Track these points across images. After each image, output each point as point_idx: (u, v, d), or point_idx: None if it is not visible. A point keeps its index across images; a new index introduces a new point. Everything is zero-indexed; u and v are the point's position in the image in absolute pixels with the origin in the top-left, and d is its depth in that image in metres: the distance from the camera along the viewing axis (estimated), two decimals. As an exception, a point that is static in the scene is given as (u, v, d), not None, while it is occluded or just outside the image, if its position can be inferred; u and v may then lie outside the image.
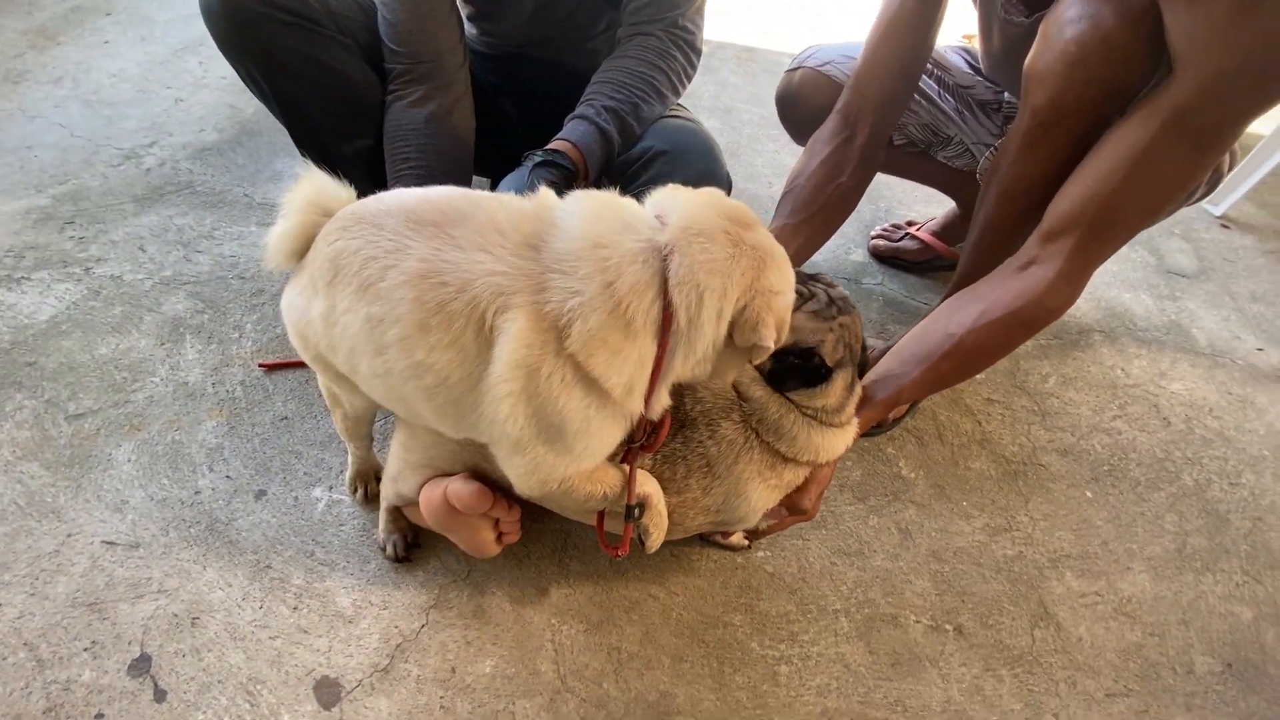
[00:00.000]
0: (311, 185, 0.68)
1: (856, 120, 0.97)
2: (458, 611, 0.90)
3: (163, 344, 1.15)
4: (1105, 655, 0.95)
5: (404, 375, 0.60)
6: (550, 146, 0.96)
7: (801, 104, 1.14)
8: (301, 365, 1.13)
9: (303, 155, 1.07)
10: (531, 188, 0.76)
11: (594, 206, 0.59)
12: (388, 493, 0.88)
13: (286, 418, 1.07)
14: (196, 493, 0.97)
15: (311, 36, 0.97)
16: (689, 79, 1.06)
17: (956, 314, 0.81)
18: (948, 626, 0.95)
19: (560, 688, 0.84)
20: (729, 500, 0.73)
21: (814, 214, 0.95)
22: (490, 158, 1.15)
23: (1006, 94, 1.08)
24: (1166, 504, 1.13)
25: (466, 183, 1.03)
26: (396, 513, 0.91)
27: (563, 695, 0.84)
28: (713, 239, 0.55)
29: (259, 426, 1.05)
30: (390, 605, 0.89)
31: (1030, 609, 0.98)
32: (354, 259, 0.59)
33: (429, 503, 0.77)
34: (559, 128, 1.16)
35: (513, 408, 0.56)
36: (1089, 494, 1.13)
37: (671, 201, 0.60)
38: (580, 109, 1.00)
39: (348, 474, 0.98)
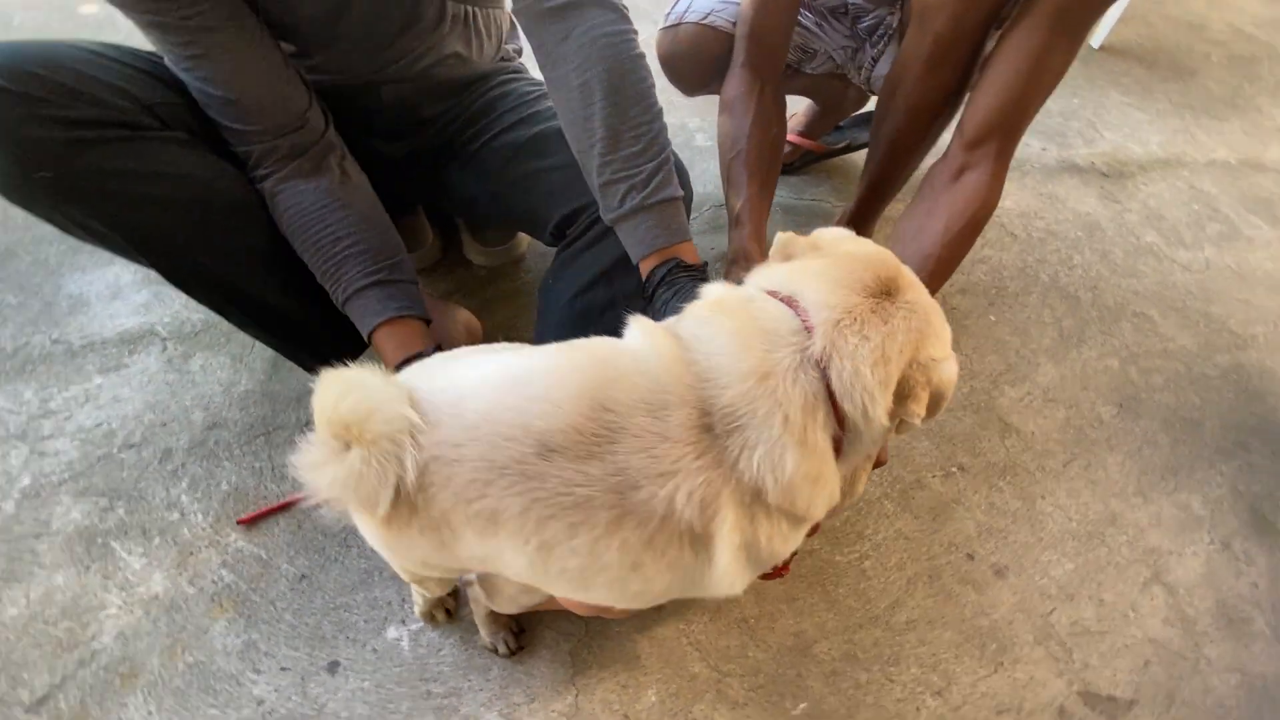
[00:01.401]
0: (353, 404, 0.50)
1: (763, 69, 0.99)
2: (597, 667, 0.92)
3: (88, 569, 0.92)
4: (1051, 437, 1.23)
5: (607, 590, 0.55)
6: (667, 255, 0.79)
7: (691, 59, 1.13)
8: (289, 506, 0.99)
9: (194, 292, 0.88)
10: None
11: (730, 331, 0.52)
12: (496, 605, 0.83)
13: (305, 576, 0.95)
14: (260, 703, 0.85)
15: (136, 146, 0.75)
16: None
17: (922, 235, 0.92)
18: (953, 469, 1.17)
19: (717, 677, 0.92)
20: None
21: (768, 172, 0.98)
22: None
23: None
24: (1040, 303, 1.43)
25: (399, 239, 0.90)
26: (494, 614, 0.88)
27: (725, 681, 0.92)
28: (865, 327, 0.51)
29: (280, 600, 0.92)
30: (536, 696, 0.89)
31: (996, 427, 1.23)
32: (522, 519, 0.50)
33: (573, 605, 0.76)
34: (440, 151, 1.04)
35: (734, 579, 0.54)
36: (992, 318, 1.39)
37: (800, 280, 0.54)
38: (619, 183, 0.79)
39: (418, 609, 0.91)
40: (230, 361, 1.12)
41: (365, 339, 0.85)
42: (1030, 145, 1.77)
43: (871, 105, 1.57)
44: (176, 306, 1.17)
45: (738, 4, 1.06)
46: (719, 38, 1.07)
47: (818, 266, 0.55)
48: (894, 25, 1.09)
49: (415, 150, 1.05)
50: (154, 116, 0.78)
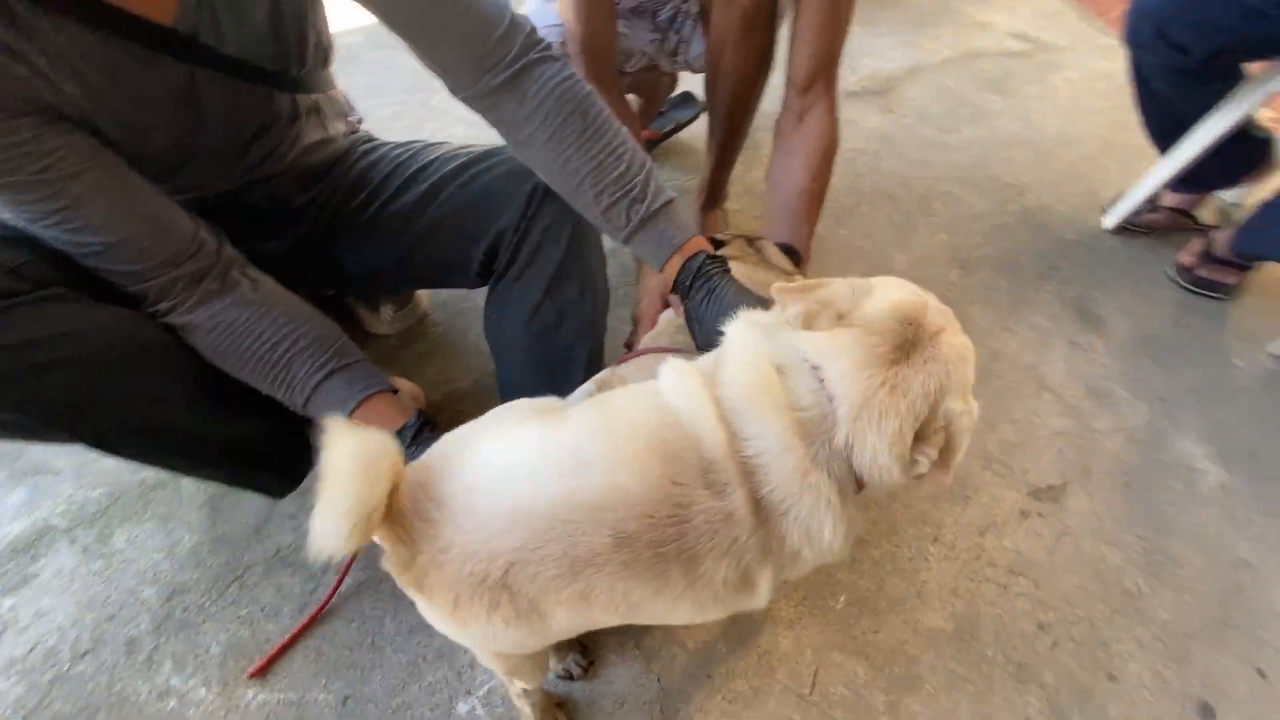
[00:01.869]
0: (352, 453, 0.51)
1: (604, 78, 1.08)
2: (667, 654, 0.97)
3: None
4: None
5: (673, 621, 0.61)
6: (687, 252, 0.81)
7: None
8: (299, 636, 0.92)
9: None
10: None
11: (773, 425, 0.55)
12: (518, 685, 0.80)
13: (349, 696, 0.89)
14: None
15: (16, 316, 0.67)
16: None
17: (788, 177, 1.06)
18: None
19: (767, 608, 1.01)
20: None
21: None
22: None
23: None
24: (871, 209, 1.66)
25: (333, 323, 0.85)
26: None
27: (773, 609, 1.01)
28: (883, 412, 0.54)
29: (333, 729, 0.86)
30: (626, 699, 0.92)
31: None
32: (609, 595, 0.54)
33: None
34: (323, 236, 1.02)
35: (763, 604, 0.61)
36: (843, 232, 1.60)
37: (827, 355, 0.57)
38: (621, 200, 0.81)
39: (528, 715, 0.86)
40: (159, 524, 1.01)
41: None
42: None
43: (683, 87, 1.73)
44: (63, 489, 1.03)
45: (558, 25, 1.14)
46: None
47: (842, 342, 0.57)
48: (694, 10, 1.23)
49: (297, 242, 1.01)
50: (22, 280, 0.69)
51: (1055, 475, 1.20)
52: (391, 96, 1.96)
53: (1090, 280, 1.55)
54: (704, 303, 0.78)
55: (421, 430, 0.78)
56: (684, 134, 1.75)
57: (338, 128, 1.02)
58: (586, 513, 0.53)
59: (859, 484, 0.57)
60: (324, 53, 0.90)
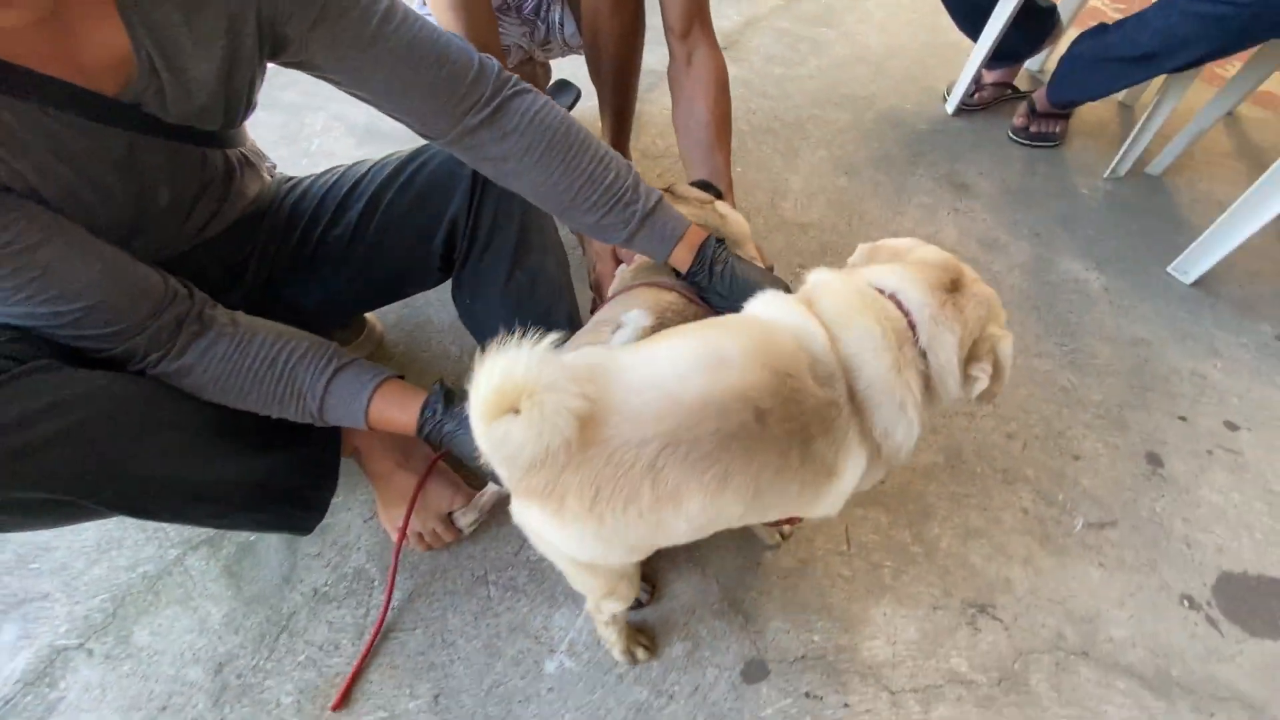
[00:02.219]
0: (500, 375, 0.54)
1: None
2: (767, 609, 1.03)
3: None
4: (827, 217, 1.61)
5: (768, 515, 0.67)
6: (691, 239, 0.86)
7: None
8: (367, 658, 0.91)
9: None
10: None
11: (871, 329, 0.65)
12: (608, 610, 0.84)
13: (439, 694, 0.89)
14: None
15: (9, 391, 0.64)
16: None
17: (693, 115, 1.17)
18: (791, 277, 1.47)
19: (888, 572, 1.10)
20: None
21: None
22: None
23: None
24: (757, 145, 1.81)
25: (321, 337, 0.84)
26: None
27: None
28: (951, 322, 0.66)
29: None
30: (719, 636, 0.98)
31: (792, 231, 1.56)
32: (744, 475, 0.60)
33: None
34: (270, 281, 1.00)
35: (838, 504, 0.68)
36: (739, 169, 1.73)
37: (898, 282, 0.68)
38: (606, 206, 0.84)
39: (618, 652, 0.91)
40: (179, 608, 0.96)
41: (363, 420, 0.81)
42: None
43: (556, 75, 1.80)
44: (58, 610, 0.95)
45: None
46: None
47: (909, 272, 0.69)
48: (557, -6, 1.31)
49: (246, 293, 0.99)
50: (6, 358, 0.66)
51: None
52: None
53: (952, 157, 1.77)
54: (728, 281, 0.85)
55: (449, 397, 0.80)
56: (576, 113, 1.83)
57: (266, 177, 1.01)
58: (733, 395, 0.59)
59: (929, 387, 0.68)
60: (253, 106, 0.89)
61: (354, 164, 1.04)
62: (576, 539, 0.62)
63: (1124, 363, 1.32)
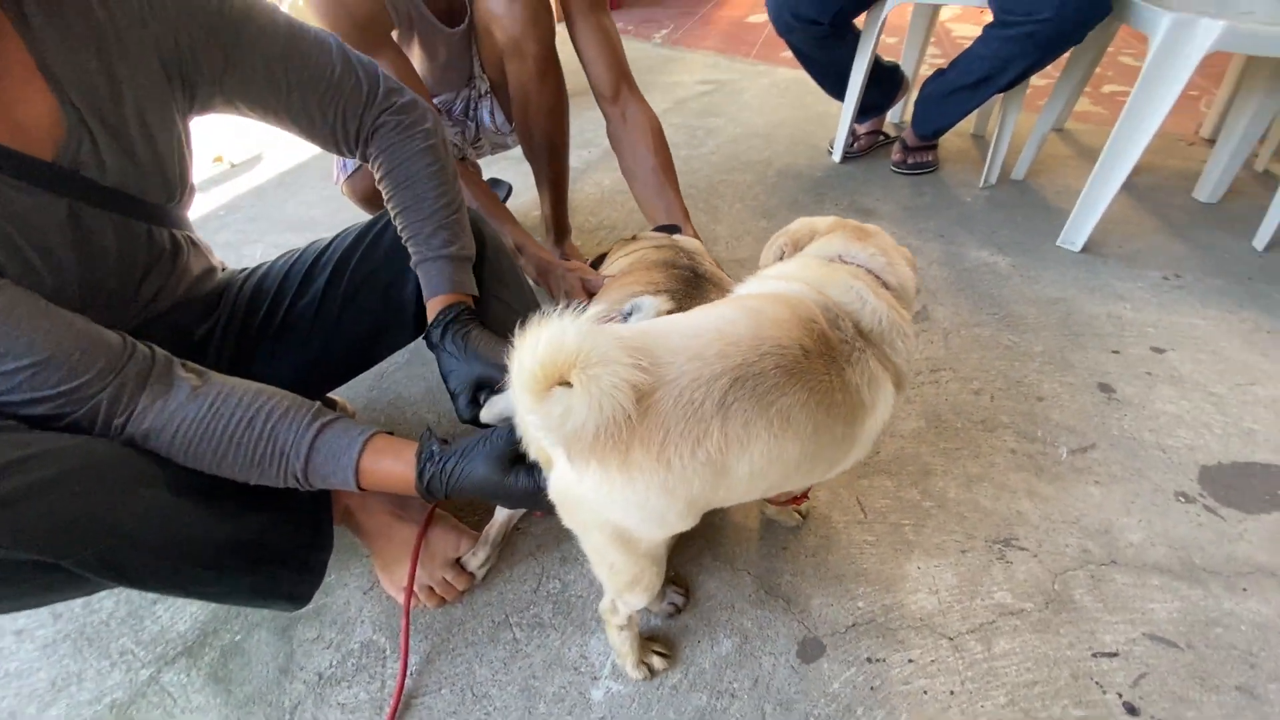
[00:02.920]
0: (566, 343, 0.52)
1: None
2: (804, 589, 1.01)
3: None
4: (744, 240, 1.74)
5: (813, 468, 0.68)
6: (443, 308, 0.89)
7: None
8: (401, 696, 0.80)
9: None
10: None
11: (855, 282, 0.73)
12: (627, 607, 0.79)
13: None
14: None
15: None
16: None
17: (640, 163, 1.30)
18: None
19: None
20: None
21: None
22: None
23: (442, 95, 1.47)
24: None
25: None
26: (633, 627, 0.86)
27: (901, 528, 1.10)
28: (891, 255, 0.78)
29: None
30: (767, 624, 0.93)
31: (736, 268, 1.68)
32: (804, 410, 0.62)
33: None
34: (234, 358, 0.99)
35: (872, 438, 0.72)
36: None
37: (836, 247, 0.79)
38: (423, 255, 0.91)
39: (631, 666, 0.85)
40: (157, 733, 0.82)
41: (353, 478, 0.75)
42: (582, 156, 2.39)
43: (485, 173, 1.93)
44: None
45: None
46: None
47: (837, 239, 0.80)
48: (483, 89, 1.46)
49: (239, 345, 0.98)
50: None
51: (916, 306, 1.49)
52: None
53: (851, 191, 1.99)
54: (461, 344, 0.87)
55: (439, 442, 0.77)
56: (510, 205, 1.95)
57: (214, 262, 1.02)
58: (779, 334, 0.63)
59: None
60: (190, 189, 0.92)
61: (312, 241, 1.07)
62: (640, 493, 0.59)
63: (1050, 318, 1.46)
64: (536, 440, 0.63)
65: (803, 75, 2.17)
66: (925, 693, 0.83)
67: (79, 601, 0.97)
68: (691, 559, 0.99)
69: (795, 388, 0.61)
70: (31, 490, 0.60)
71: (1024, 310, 1.48)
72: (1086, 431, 1.18)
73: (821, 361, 0.64)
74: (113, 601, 0.97)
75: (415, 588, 0.90)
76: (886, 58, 2.12)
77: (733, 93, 2.77)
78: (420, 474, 0.74)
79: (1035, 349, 1.37)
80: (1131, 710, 0.81)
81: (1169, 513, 1.04)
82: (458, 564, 0.94)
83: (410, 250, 0.91)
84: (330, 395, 1.24)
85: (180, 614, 0.95)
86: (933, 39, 2.69)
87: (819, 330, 0.66)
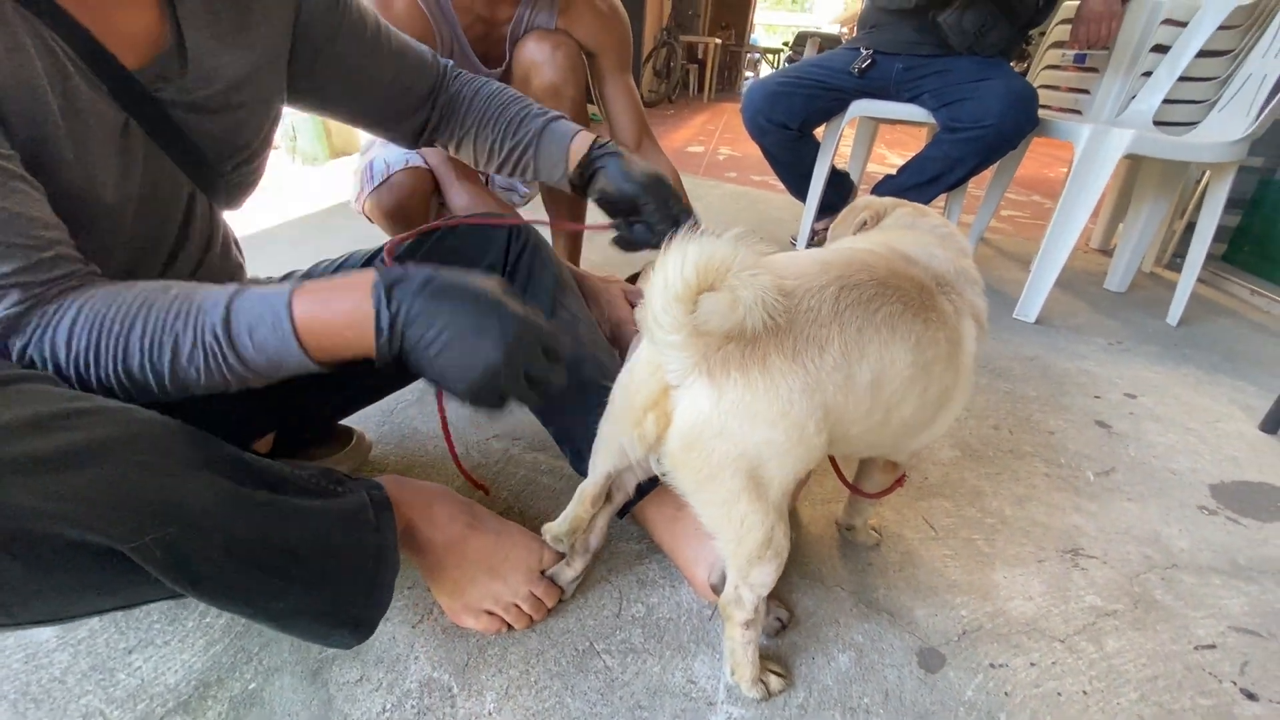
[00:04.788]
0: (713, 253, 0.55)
1: (472, 172, 1.24)
2: (892, 599, 0.95)
3: None
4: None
5: (919, 396, 0.69)
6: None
7: (414, 198, 1.23)
8: None
9: None
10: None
11: (932, 242, 0.78)
12: (757, 589, 0.71)
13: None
14: None
15: (9, 394, 0.48)
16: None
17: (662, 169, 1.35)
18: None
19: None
20: None
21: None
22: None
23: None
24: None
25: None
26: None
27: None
28: (945, 224, 0.84)
29: None
30: (871, 618, 0.86)
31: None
32: (904, 319, 0.66)
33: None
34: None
35: (970, 377, 0.76)
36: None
37: (904, 219, 0.85)
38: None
39: (745, 670, 0.74)
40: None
41: (290, 328, 0.58)
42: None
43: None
44: None
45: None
46: (425, 174, 1.25)
47: (907, 213, 0.86)
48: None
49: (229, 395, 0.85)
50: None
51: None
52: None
53: (822, 274, 2.15)
54: (620, 170, 0.86)
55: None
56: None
57: (245, 275, 0.93)
58: (869, 262, 0.67)
59: None
60: (253, 185, 0.84)
61: (350, 253, 0.99)
62: (784, 398, 0.60)
63: (1032, 371, 1.58)
64: (658, 382, 0.63)
65: (749, 189, 2.41)
66: (1059, 694, 0.78)
67: (18, 656, 0.74)
68: (780, 579, 0.91)
69: (892, 300, 0.65)
70: (89, 450, 0.48)
71: (1008, 364, 1.60)
72: (1102, 458, 1.25)
73: (910, 284, 0.68)
74: (68, 654, 0.74)
75: (499, 609, 0.78)
76: (838, 167, 2.40)
77: (694, 199, 2.99)
78: (378, 313, 0.58)
79: (1030, 393, 1.47)
80: (1251, 696, 0.80)
81: (1200, 523, 1.10)
82: (543, 576, 0.81)
83: (520, 133, 0.90)
84: (345, 424, 1.10)
85: (168, 663, 0.74)
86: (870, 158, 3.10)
87: (901, 267, 0.71)
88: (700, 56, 9.19)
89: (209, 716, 0.69)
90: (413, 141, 0.95)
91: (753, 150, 2.28)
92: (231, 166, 0.75)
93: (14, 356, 0.56)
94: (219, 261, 0.84)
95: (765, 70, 17.25)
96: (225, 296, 0.58)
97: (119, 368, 0.56)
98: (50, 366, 0.56)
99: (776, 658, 0.80)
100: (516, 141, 0.91)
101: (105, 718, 0.68)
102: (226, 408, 0.67)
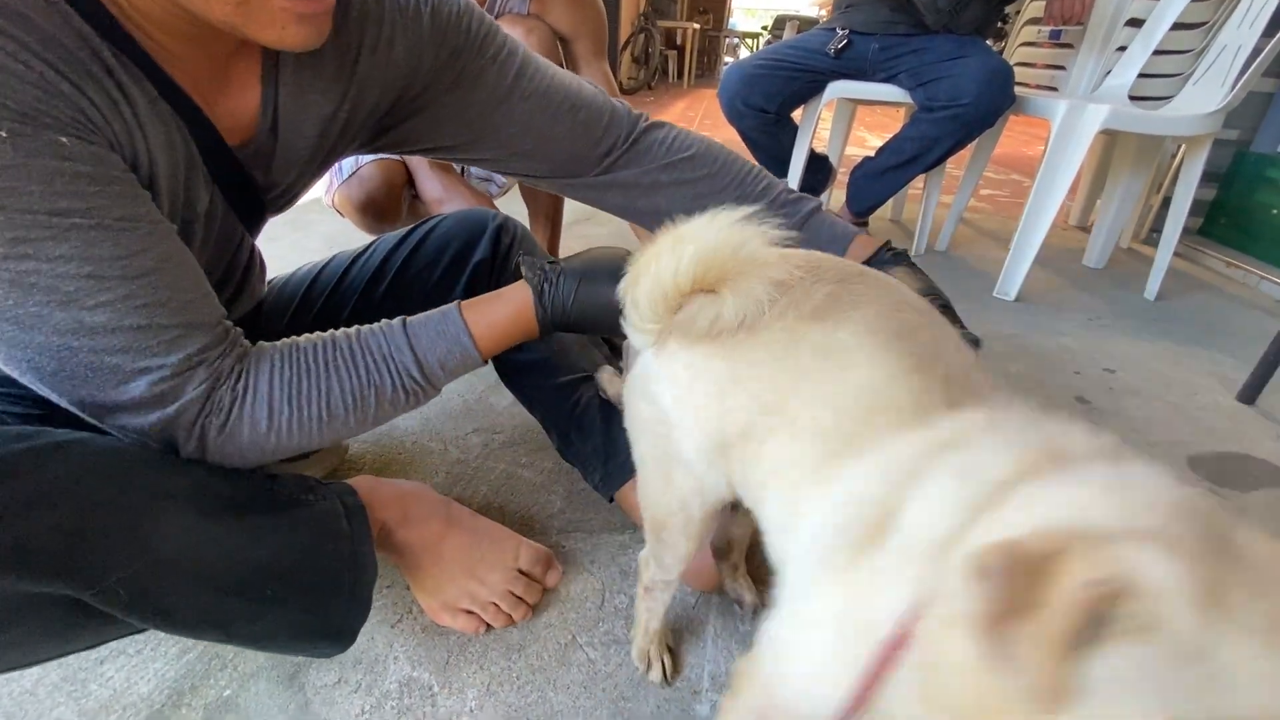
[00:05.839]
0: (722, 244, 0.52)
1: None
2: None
3: None
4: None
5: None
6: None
7: (386, 189, 1.21)
8: None
9: None
10: None
11: None
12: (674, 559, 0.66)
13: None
14: None
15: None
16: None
17: None
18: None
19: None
20: None
21: None
22: None
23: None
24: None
25: None
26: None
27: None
28: None
29: None
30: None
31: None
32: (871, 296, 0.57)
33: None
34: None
35: None
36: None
37: None
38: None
39: (635, 638, 0.75)
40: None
41: (469, 339, 0.65)
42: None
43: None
44: None
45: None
46: (396, 165, 1.23)
47: None
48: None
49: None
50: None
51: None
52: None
53: (803, 258, 2.14)
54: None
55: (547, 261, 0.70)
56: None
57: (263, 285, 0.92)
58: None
59: None
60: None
61: (332, 256, 0.98)
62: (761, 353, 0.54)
63: (1012, 348, 1.59)
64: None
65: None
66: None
67: (-18, 673, 0.72)
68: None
69: (858, 283, 0.60)
70: (40, 495, 0.46)
71: (988, 342, 1.60)
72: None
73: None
74: (38, 667, 0.73)
75: (478, 608, 0.77)
76: (818, 151, 2.39)
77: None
78: (540, 294, 0.66)
79: (1011, 370, 1.48)
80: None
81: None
82: (521, 575, 0.80)
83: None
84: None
85: (140, 672, 0.73)
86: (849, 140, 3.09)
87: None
88: (679, 42, 9.12)
89: (183, 725, 0.68)
90: (580, 184, 0.85)
91: (733, 136, 2.25)
92: (277, 208, 0.75)
93: (210, 433, 0.56)
94: (257, 284, 0.85)
95: (744, 54, 17.20)
96: (405, 339, 0.64)
97: (322, 429, 0.61)
98: (249, 441, 0.58)
99: (677, 652, 0.77)
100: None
101: (77, 733, 0.67)
102: None
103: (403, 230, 0.97)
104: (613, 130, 0.80)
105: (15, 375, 0.50)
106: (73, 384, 0.51)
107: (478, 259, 0.93)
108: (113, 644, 0.75)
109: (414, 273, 0.93)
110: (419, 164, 1.22)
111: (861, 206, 2.21)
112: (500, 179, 1.55)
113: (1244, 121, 2.23)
